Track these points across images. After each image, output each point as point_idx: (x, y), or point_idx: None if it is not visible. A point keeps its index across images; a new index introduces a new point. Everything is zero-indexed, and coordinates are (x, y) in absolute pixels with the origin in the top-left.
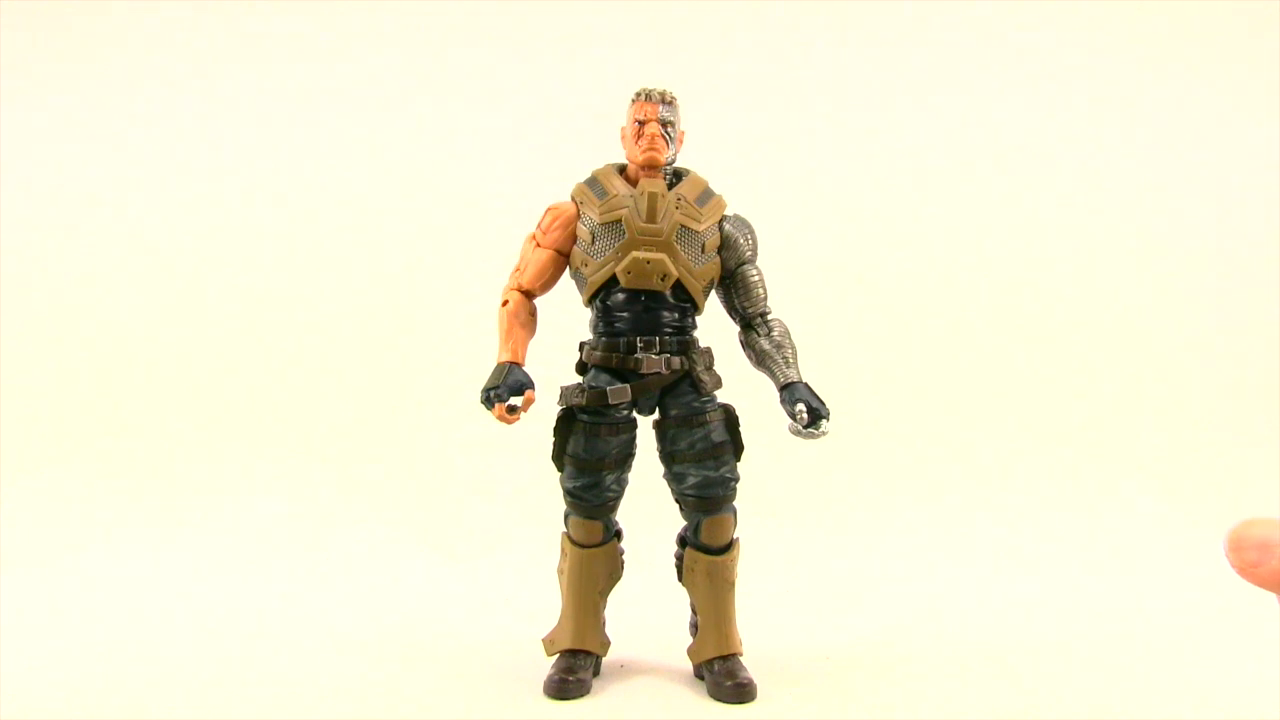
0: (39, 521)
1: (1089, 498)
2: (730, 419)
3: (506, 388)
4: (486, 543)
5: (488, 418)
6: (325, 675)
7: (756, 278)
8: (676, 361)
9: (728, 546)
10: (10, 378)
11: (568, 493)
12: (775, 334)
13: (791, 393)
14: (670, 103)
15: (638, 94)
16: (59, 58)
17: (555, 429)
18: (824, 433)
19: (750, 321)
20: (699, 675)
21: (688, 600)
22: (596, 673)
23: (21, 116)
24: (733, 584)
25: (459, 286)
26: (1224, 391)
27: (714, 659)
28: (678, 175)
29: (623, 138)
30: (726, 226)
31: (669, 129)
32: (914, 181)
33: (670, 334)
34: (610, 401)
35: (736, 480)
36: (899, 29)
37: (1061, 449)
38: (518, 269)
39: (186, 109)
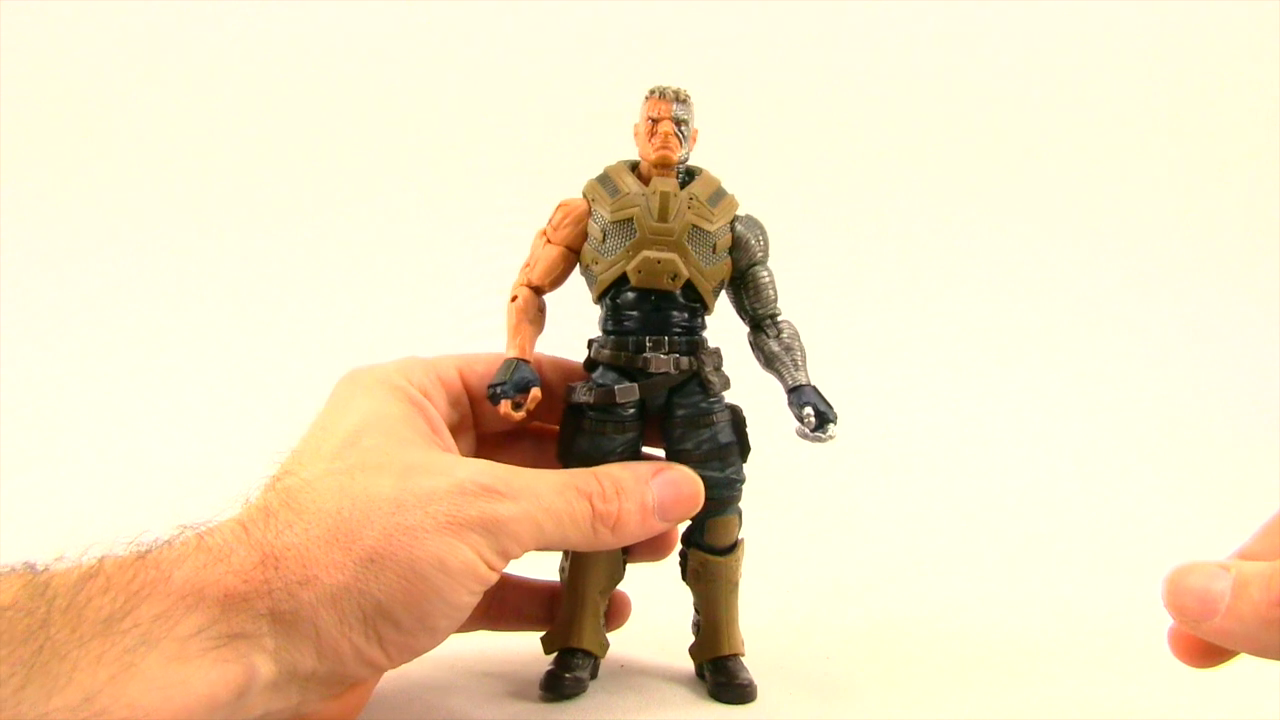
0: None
1: (1091, 499)
2: (737, 419)
3: (513, 385)
4: None
5: None
6: None
7: (767, 279)
8: (685, 362)
9: (732, 547)
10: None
11: None
12: (784, 336)
13: (799, 395)
14: (684, 101)
15: (651, 91)
16: None
17: (561, 426)
18: (831, 437)
19: (760, 323)
20: (699, 675)
21: (689, 600)
22: (595, 674)
23: None
24: (736, 585)
25: (465, 284)
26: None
27: (715, 659)
28: (690, 174)
29: (635, 135)
30: (738, 227)
31: (682, 127)
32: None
33: (679, 334)
34: (618, 400)
35: (742, 481)
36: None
37: (1062, 449)
38: (527, 264)
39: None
